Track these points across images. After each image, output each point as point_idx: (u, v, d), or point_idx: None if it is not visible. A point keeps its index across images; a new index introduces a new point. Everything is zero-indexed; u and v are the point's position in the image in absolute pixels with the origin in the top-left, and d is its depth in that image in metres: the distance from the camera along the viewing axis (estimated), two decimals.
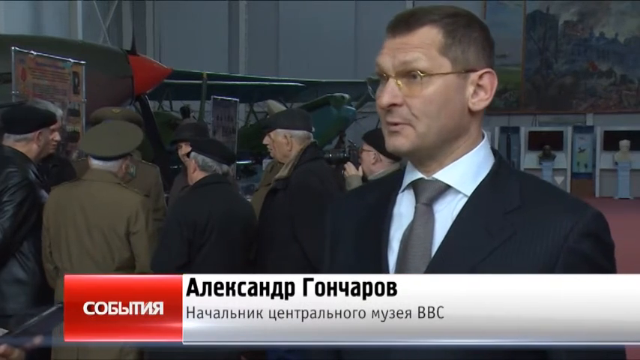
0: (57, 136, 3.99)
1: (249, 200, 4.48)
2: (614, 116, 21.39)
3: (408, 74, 1.24)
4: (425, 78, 1.23)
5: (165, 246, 3.60)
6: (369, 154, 3.98)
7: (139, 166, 4.61)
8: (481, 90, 1.27)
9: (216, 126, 10.95)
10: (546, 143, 20.72)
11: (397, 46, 1.25)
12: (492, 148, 1.33)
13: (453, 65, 1.24)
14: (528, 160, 20.93)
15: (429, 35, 1.25)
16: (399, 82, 1.24)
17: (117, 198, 3.58)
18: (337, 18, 21.64)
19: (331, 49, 21.14)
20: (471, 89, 1.26)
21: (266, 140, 4.01)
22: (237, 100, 12.43)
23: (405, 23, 1.26)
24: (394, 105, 1.24)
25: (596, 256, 1.21)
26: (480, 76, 1.27)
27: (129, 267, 3.58)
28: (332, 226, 1.41)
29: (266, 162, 12.79)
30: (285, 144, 3.85)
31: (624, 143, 20.22)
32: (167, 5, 22.48)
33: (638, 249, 11.39)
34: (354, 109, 16.34)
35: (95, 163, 3.63)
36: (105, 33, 19.60)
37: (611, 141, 20.53)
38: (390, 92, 1.24)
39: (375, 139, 3.84)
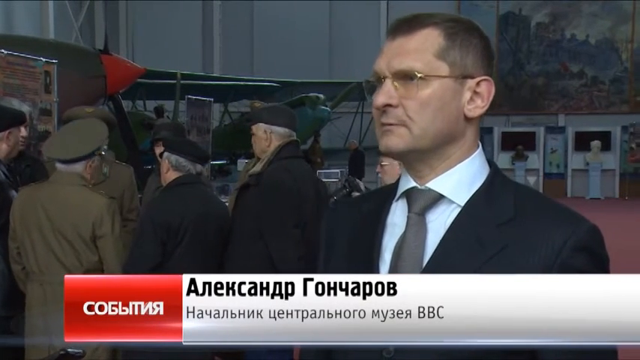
0: (24, 132, 3.94)
1: (224, 200, 4.44)
2: (585, 117, 21.65)
3: (405, 76, 1.22)
4: (421, 80, 1.21)
5: (139, 247, 3.55)
6: (392, 166, 3.84)
7: (112, 167, 4.55)
8: (478, 97, 1.26)
9: (190, 126, 10.89)
10: (519, 144, 20.91)
11: (395, 48, 1.24)
12: (488, 160, 1.31)
13: (450, 69, 1.23)
14: (501, 161, 21.07)
15: (429, 37, 1.23)
16: (396, 83, 1.23)
17: (81, 201, 3.50)
18: (312, 18, 21.64)
19: (306, 49, 21.14)
20: (467, 95, 1.25)
21: (253, 138, 3.94)
22: (212, 100, 12.38)
23: (407, 24, 1.25)
24: (389, 106, 1.23)
25: (589, 271, 1.17)
26: (478, 83, 1.25)
27: (98, 270, 3.51)
28: (327, 233, 1.40)
29: (241, 162, 12.74)
30: (264, 139, 3.77)
31: (595, 144, 20.48)
32: (140, 5, 22.32)
33: (610, 248, 11.51)
34: (328, 109, 16.37)
35: (59, 166, 3.55)
36: (77, 32, 19.39)
37: (583, 141, 20.78)
38: (386, 93, 1.23)
39: None
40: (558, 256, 1.17)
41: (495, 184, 1.27)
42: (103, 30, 14.59)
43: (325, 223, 1.42)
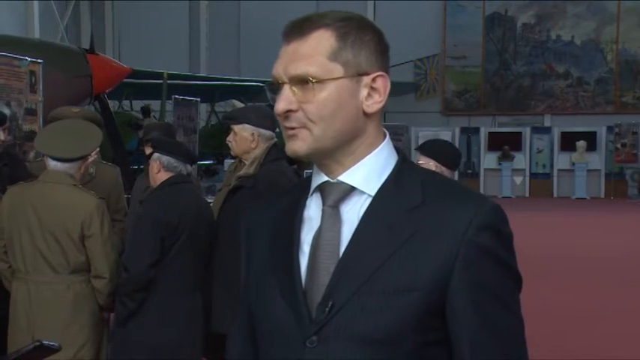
0: (2, 136, 3.91)
1: (210, 201, 4.44)
2: (570, 117, 21.77)
3: (301, 81, 1.26)
4: (317, 84, 1.26)
5: (139, 244, 3.57)
6: (428, 166, 3.55)
7: (98, 167, 4.52)
8: (375, 93, 1.29)
9: (177, 126, 10.86)
10: (505, 144, 21.00)
11: (290, 53, 1.28)
12: (396, 147, 1.35)
13: (344, 69, 1.27)
14: (488, 161, 21.19)
15: (320, 40, 1.27)
16: (294, 88, 1.27)
17: (71, 200, 3.49)
18: None
19: None
20: (364, 92, 1.29)
21: (230, 137, 3.93)
22: (199, 99, 12.34)
23: (298, 29, 1.29)
24: (290, 111, 1.27)
25: (495, 247, 1.25)
26: (374, 79, 1.29)
27: (84, 270, 3.52)
28: (246, 235, 1.43)
29: (228, 162, 12.71)
30: (251, 141, 3.78)
31: (581, 144, 20.60)
32: (127, 4, 22.23)
33: (595, 247, 11.60)
34: None
35: (53, 164, 3.52)
36: (62, 32, 19.30)
37: (568, 142, 20.90)
38: (285, 99, 1.27)
39: (433, 149, 3.70)
40: (464, 235, 1.23)
41: (403, 171, 1.31)
42: (89, 29, 14.53)
43: (244, 224, 1.45)
